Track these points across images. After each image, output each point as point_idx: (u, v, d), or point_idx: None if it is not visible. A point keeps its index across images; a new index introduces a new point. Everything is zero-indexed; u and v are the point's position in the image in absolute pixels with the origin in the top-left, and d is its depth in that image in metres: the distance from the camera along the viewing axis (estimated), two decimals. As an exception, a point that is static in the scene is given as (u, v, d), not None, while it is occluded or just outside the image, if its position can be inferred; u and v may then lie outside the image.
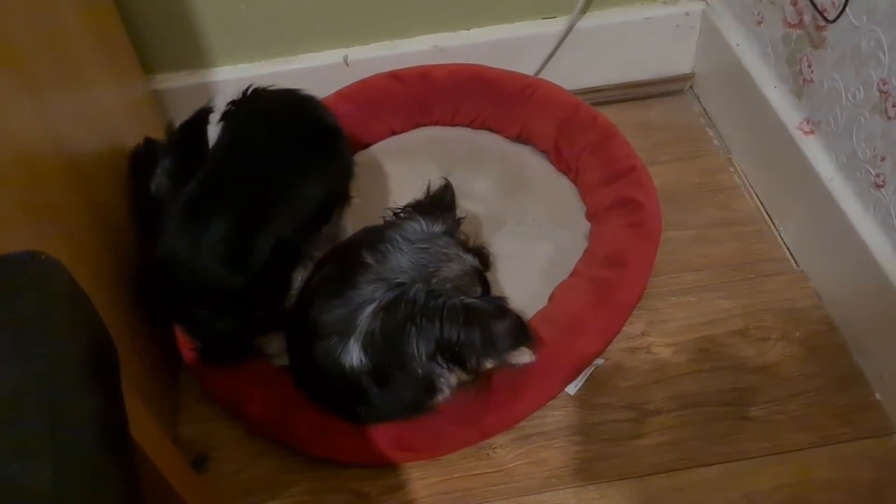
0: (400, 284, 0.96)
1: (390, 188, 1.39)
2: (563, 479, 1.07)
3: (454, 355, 0.93)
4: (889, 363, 1.09)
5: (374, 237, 1.04)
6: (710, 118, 1.54)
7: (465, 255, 1.02)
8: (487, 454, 1.10)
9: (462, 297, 0.95)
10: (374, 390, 0.99)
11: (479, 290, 1.00)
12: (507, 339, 0.93)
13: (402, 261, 0.99)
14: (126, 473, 0.48)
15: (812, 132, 1.22)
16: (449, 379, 1.00)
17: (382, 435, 1.04)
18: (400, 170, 1.43)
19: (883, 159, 1.06)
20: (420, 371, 0.96)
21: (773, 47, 1.30)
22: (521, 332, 0.96)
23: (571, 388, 1.15)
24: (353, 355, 0.97)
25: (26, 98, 0.87)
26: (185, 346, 1.13)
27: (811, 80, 1.20)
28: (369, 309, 0.96)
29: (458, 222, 1.09)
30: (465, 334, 0.91)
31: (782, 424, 1.10)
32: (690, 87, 1.61)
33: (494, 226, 1.33)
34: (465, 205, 1.33)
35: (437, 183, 1.12)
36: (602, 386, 1.15)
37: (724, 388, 1.14)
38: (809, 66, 1.20)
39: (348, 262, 1.02)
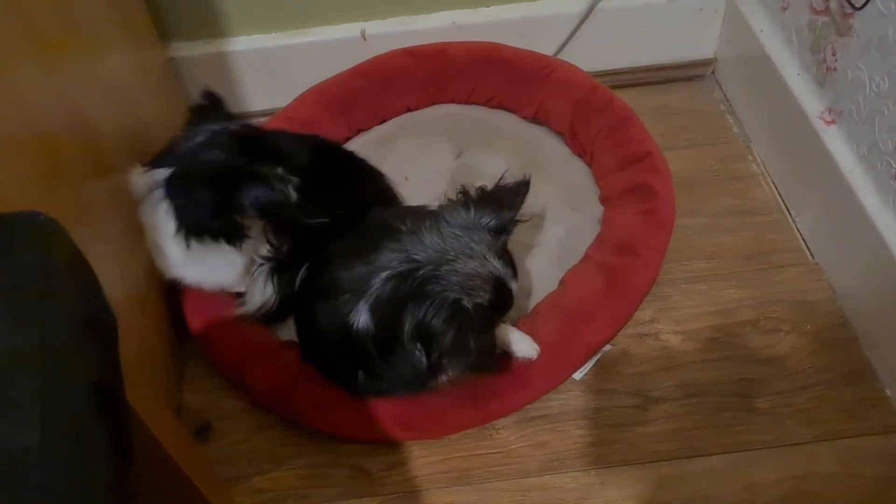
0: (415, 260, 0.96)
1: (403, 165, 1.37)
2: (565, 462, 1.06)
3: (426, 344, 0.93)
4: (901, 360, 1.07)
5: (418, 212, 1.04)
6: (730, 105, 1.52)
7: (491, 259, 0.98)
8: (490, 435, 1.09)
9: (459, 296, 0.93)
10: (378, 359, 0.98)
11: (486, 297, 0.96)
12: (473, 356, 0.93)
13: (430, 240, 0.98)
14: (118, 438, 0.48)
15: (833, 122, 1.19)
16: (419, 362, 0.98)
17: (384, 413, 1.04)
18: (413, 147, 1.42)
19: (905, 152, 1.03)
20: (409, 348, 0.95)
21: (797, 34, 1.28)
22: (488, 359, 0.96)
23: (577, 374, 1.14)
24: (362, 316, 0.96)
25: (38, 63, 0.86)
26: (192, 316, 1.13)
27: (835, 69, 1.18)
28: (384, 275, 0.96)
29: (515, 223, 1.04)
30: (442, 327, 0.91)
31: (788, 417, 1.09)
32: (712, 72, 1.58)
33: (507, 206, 1.31)
34: (478, 184, 1.33)
35: (514, 176, 1.07)
36: (608, 372, 1.15)
37: (731, 378, 1.13)
38: (834, 55, 1.17)
39: (383, 227, 1.02)
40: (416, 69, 1.44)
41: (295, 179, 1.04)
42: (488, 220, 0.99)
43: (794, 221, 1.31)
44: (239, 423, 1.13)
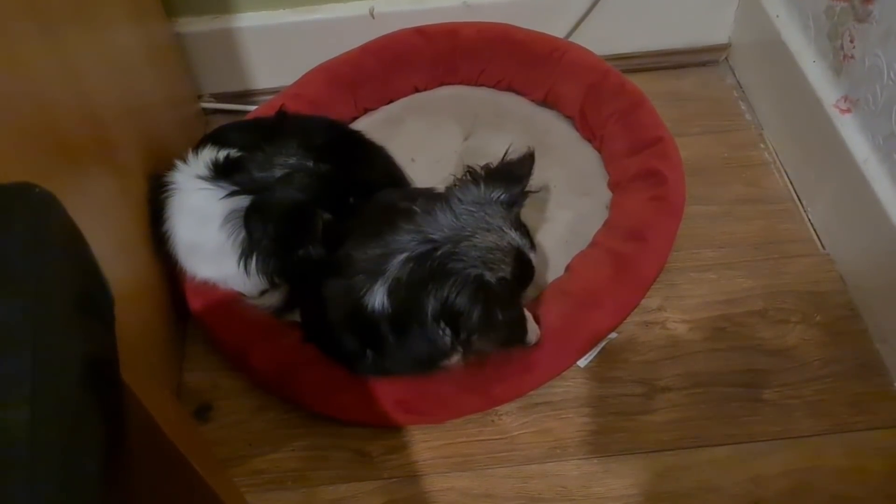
0: (433, 240, 0.94)
1: (411, 145, 1.36)
2: (568, 450, 1.05)
3: (454, 323, 0.91)
4: (912, 354, 1.06)
5: (430, 192, 1.04)
6: (743, 91, 1.50)
7: (508, 231, 0.97)
8: (492, 421, 1.08)
9: (481, 271, 0.92)
10: (390, 338, 0.97)
11: (507, 270, 0.95)
12: (503, 330, 0.92)
13: (444, 219, 0.96)
14: (111, 416, 0.46)
15: (849, 110, 1.17)
16: (455, 348, 0.98)
17: (386, 396, 1.03)
18: (421, 127, 1.40)
19: (922, 142, 1.01)
20: (430, 331, 0.94)
21: (814, 20, 1.25)
22: (519, 330, 0.94)
23: (582, 361, 1.12)
24: (378, 298, 0.95)
25: (40, 35, 0.84)
26: (193, 295, 1.11)
27: (852, 56, 1.15)
28: (401, 257, 0.95)
29: (525, 195, 1.04)
30: (468, 305, 0.89)
31: (796, 409, 1.07)
32: (726, 58, 1.56)
33: (514, 190, 1.29)
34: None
35: (518, 150, 1.07)
36: (614, 359, 1.13)
37: (738, 368, 1.12)
38: (851, 42, 1.15)
39: (396, 208, 1.01)
40: (426, 49, 1.42)
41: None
42: (499, 193, 0.98)
43: (805, 211, 1.29)
44: (239, 403, 1.12)
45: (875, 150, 1.11)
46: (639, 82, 1.42)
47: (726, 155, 1.39)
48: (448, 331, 0.92)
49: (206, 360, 1.16)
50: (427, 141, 1.38)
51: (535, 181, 1.28)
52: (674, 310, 1.18)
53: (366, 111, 1.44)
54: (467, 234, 0.94)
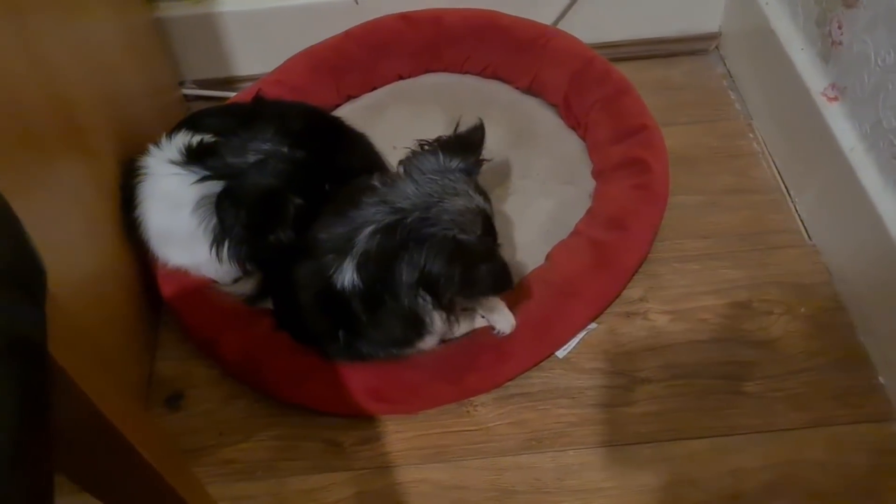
0: (400, 209, 0.93)
1: (394, 133, 1.33)
2: (543, 442, 1.03)
3: (434, 288, 0.89)
4: (896, 346, 1.03)
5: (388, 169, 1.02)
6: (733, 81, 1.47)
7: (474, 194, 0.97)
8: (467, 411, 1.06)
9: (455, 232, 0.91)
10: (363, 316, 0.95)
11: (478, 231, 0.94)
12: (487, 281, 0.90)
13: (408, 189, 0.95)
14: (29, 394, 0.44)
15: (836, 98, 1.15)
16: (433, 318, 0.96)
17: (357, 384, 1.01)
18: (405, 115, 1.39)
19: (908, 129, 0.99)
20: (407, 302, 0.92)
21: (803, 6, 1.23)
22: (503, 278, 0.92)
23: (561, 352, 1.10)
24: (347, 275, 0.93)
25: (7, 21, 0.83)
26: (164, 281, 1.10)
27: (840, 43, 1.13)
28: (368, 230, 0.93)
29: (479, 163, 1.03)
30: (447, 268, 0.88)
31: (778, 402, 1.05)
32: (716, 47, 1.53)
33: (497, 179, 1.28)
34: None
35: (468, 122, 1.07)
36: (593, 350, 1.11)
37: (720, 360, 1.09)
38: (839, 28, 1.12)
39: (358, 186, 0.99)
40: (410, 35, 1.40)
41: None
42: (457, 162, 0.97)
43: (793, 201, 1.26)
44: (210, 392, 1.10)
45: (862, 139, 1.09)
46: (628, 71, 1.40)
47: (715, 145, 1.37)
48: (428, 297, 0.90)
49: (179, 349, 1.14)
50: (410, 128, 1.34)
51: (519, 169, 1.28)
52: (656, 300, 1.16)
53: (349, 98, 1.42)
54: (436, 199, 0.93)
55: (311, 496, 1.00)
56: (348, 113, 1.38)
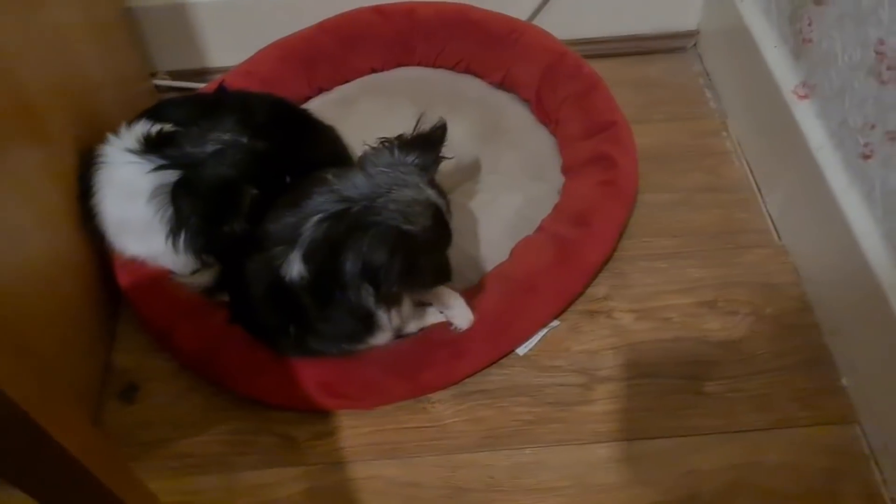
0: (348, 199, 0.92)
1: (364, 126, 1.31)
2: (500, 440, 1.02)
3: (375, 279, 0.88)
4: (860, 348, 1.02)
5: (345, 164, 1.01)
6: (710, 79, 1.46)
7: (425, 187, 0.95)
8: (424, 408, 1.05)
9: (399, 222, 0.90)
10: (313, 311, 0.94)
11: (427, 224, 0.92)
12: (426, 273, 0.90)
13: (359, 180, 0.94)
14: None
15: (806, 96, 1.13)
16: (380, 312, 0.94)
17: (310, 378, 1.00)
18: (376, 108, 1.37)
19: (873, 127, 0.97)
20: (352, 294, 0.91)
21: (776, 3, 1.21)
22: (442, 271, 0.91)
23: (521, 349, 1.09)
24: (295, 267, 0.92)
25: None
26: (121, 271, 1.08)
27: (810, 40, 1.11)
28: (315, 218, 0.92)
29: (438, 161, 1.02)
30: (387, 258, 0.86)
31: (739, 403, 1.04)
32: (694, 45, 1.51)
33: (465, 173, 1.26)
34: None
35: (430, 120, 1.04)
36: (554, 348, 1.10)
37: (682, 360, 1.08)
38: (810, 24, 1.11)
39: (311, 179, 0.98)
40: (384, 28, 1.39)
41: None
42: (413, 158, 0.96)
43: (763, 201, 1.25)
44: (166, 385, 1.09)
45: (830, 137, 1.07)
46: (605, 67, 1.39)
47: (688, 143, 1.36)
48: (371, 290, 0.89)
49: (137, 341, 1.13)
50: (380, 122, 1.31)
51: (487, 164, 1.26)
52: (620, 299, 1.14)
53: (321, 91, 1.41)
54: (384, 190, 0.91)
55: (263, 491, 0.99)
56: (319, 105, 1.37)
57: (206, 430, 1.04)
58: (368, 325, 0.94)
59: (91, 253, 1.09)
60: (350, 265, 0.88)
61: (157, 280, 1.07)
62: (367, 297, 0.90)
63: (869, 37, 0.96)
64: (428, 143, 1.00)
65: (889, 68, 0.93)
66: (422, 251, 0.88)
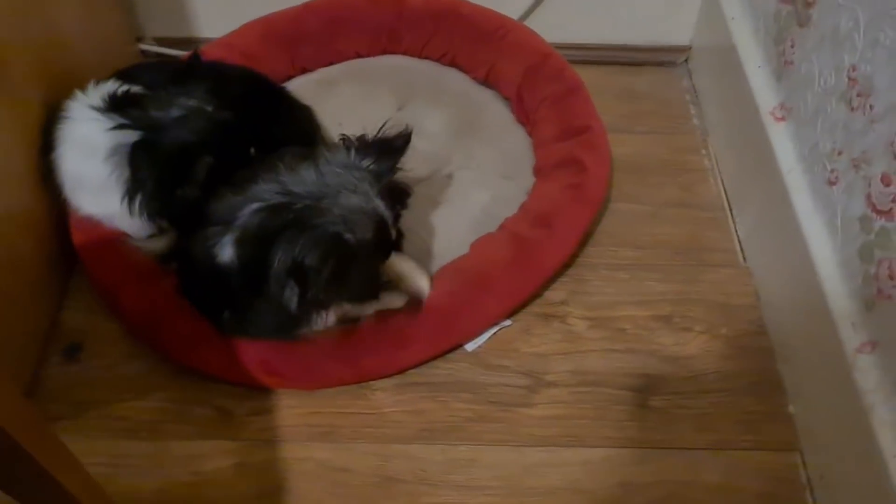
0: (292, 193, 0.90)
1: (342, 110, 1.31)
2: (436, 433, 1.01)
3: (302, 280, 0.87)
4: (809, 376, 1.00)
5: (301, 151, 0.98)
6: (696, 95, 1.44)
7: (374, 198, 0.94)
8: (365, 394, 1.04)
9: (340, 229, 0.88)
10: (243, 297, 0.93)
11: (367, 235, 0.91)
12: (355, 286, 0.89)
13: (308, 175, 0.93)
14: None
15: (783, 118, 1.12)
16: (300, 310, 0.92)
17: (250, 355, 0.99)
18: (355, 94, 1.36)
19: (840, 153, 0.96)
20: (274, 287, 0.89)
21: (764, 23, 1.20)
22: (370, 288, 0.91)
23: (470, 345, 1.08)
24: (227, 249, 0.91)
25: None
26: (76, 229, 1.07)
27: (791, 62, 1.10)
28: (253, 206, 0.91)
29: (394, 170, 1.00)
30: (319, 262, 0.85)
31: (682, 420, 1.03)
32: (685, 61, 1.50)
33: (436, 165, 1.25)
34: (413, 140, 1.26)
35: (396, 126, 1.03)
36: (503, 348, 1.08)
37: (631, 372, 1.07)
38: (792, 46, 1.10)
39: (264, 164, 0.97)
40: (372, 14, 1.38)
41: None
42: (369, 163, 0.94)
43: (734, 221, 1.24)
44: (110, 347, 1.08)
45: (800, 161, 1.06)
46: (592, 74, 1.39)
47: (666, 157, 1.34)
48: (295, 289, 0.87)
49: (87, 301, 1.12)
50: (358, 107, 1.33)
51: (460, 159, 1.25)
52: (577, 305, 1.13)
53: (304, 71, 1.40)
54: (331, 192, 0.90)
55: (192, 462, 0.98)
56: (300, 86, 1.36)
57: (144, 396, 1.04)
58: (293, 319, 0.93)
59: (49, 208, 1.08)
60: (279, 261, 0.86)
61: (111, 241, 1.06)
62: (291, 295, 0.88)
63: (843, 62, 0.95)
64: (388, 149, 0.98)
65: (859, 95, 0.92)
66: (356, 262, 0.87)
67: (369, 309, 1.02)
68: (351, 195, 0.91)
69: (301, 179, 0.91)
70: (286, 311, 0.91)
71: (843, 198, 0.95)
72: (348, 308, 0.95)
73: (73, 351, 1.07)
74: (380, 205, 0.92)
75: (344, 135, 0.99)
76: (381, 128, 0.99)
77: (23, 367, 1.03)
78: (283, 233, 0.86)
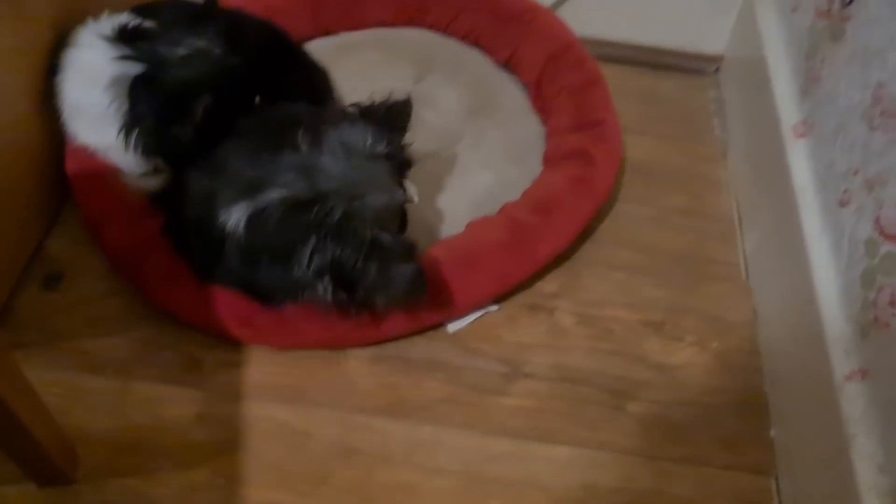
0: (320, 191, 0.89)
1: (357, 75, 1.29)
2: (404, 410, 0.98)
3: (344, 281, 0.87)
4: (793, 401, 0.97)
5: (317, 124, 0.96)
6: (721, 107, 1.40)
7: (397, 190, 0.96)
8: (339, 361, 1.02)
9: (376, 230, 0.88)
10: (235, 261, 0.92)
11: (395, 229, 0.94)
12: (402, 285, 0.89)
13: (334, 167, 0.92)
14: None
15: (804, 135, 1.08)
16: (324, 295, 0.92)
17: (225, 305, 0.97)
18: (374, 61, 1.34)
19: (855, 173, 0.92)
20: (296, 276, 0.89)
21: (798, 38, 1.16)
22: (419, 284, 0.90)
23: (452, 326, 1.05)
24: (235, 219, 0.90)
25: None
26: (71, 157, 1.06)
27: (819, 78, 1.06)
28: (277, 193, 0.90)
29: (403, 147, 1.01)
30: (363, 266, 0.86)
31: (658, 429, 0.99)
32: (716, 70, 1.46)
33: (445, 142, 1.23)
34: (425, 114, 1.25)
35: (397, 95, 1.04)
36: (485, 333, 1.06)
37: (612, 373, 1.04)
38: (822, 62, 1.06)
39: (283, 131, 0.96)
40: (401, -18, 1.35)
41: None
42: (383, 146, 0.94)
43: (742, 236, 1.20)
44: (91, 281, 1.06)
45: (815, 179, 1.02)
46: (617, 72, 1.36)
47: (681, 164, 1.31)
48: (330, 286, 0.88)
49: (75, 232, 1.10)
50: (375, 75, 1.31)
51: (470, 138, 1.23)
52: (568, 300, 1.10)
53: (327, 33, 1.38)
54: (360, 192, 0.90)
55: (152, 405, 0.96)
56: (320, 47, 1.34)
57: (115, 333, 1.02)
58: (286, 296, 0.94)
59: (48, 133, 1.06)
60: (310, 259, 0.87)
61: (103, 173, 1.05)
62: (325, 291, 0.89)
63: (870, 79, 0.91)
64: (394, 121, 0.99)
65: (882, 113, 0.88)
66: (396, 260, 0.88)
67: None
68: (379, 193, 0.92)
69: (328, 174, 0.90)
70: (284, 288, 0.92)
71: (852, 219, 0.91)
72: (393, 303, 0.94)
73: (52, 280, 1.06)
74: (401, 196, 0.95)
75: (353, 104, 1.00)
76: (387, 97, 1.00)
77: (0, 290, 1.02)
78: (313, 232, 0.87)
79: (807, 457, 0.92)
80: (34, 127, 1.05)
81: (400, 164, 1.02)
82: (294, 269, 0.89)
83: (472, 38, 1.36)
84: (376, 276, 0.87)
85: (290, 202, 0.89)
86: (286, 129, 0.96)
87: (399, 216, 1.00)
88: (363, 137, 0.95)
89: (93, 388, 0.97)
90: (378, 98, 1.03)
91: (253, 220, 0.89)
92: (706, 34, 1.43)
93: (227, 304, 0.97)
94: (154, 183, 1.07)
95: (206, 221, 0.92)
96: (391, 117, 0.98)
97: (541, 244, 1.05)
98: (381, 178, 0.94)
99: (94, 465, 0.90)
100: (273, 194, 0.89)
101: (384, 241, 0.88)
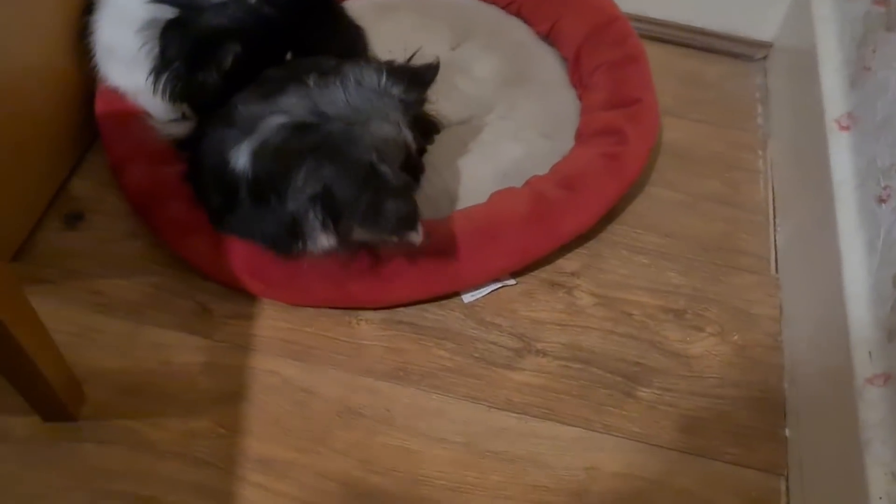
0: (321, 114, 0.87)
1: (393, 37, 1.26)
2: (411, 376, 0.97)
3: (333, 210, 0.84)
4: (810, 401, 0.94)
5: (331, 67, 0.95)
6: (767, 95, 1.36)
7: (403, 128, 0.92)
8: (350, 322, 1.01)
9: (373, 158, 0.85)
10: (247, 205, 0.91)
11: (398, 168, 0.89)
12: (391, 218, 0.83)
13: (339, 96, 0.90)
14: None
15: (848, 128, 1.04)
16: (315, 235, 0.90)
17: (239, 255, 0.96)
18: (413, 24, 1.32)
19: (897, 170, 0.88)
20: (293, 207, 0.87)
21: (851, 26, 1.11)
22: (409, 220, 0.84)
23: (468, 296, 1.04)
24: (242, 158, 0.89)
25: None
26: (101, 98, 1.06)
27: (869, 68, 1.02)
28: (277, 120, 0.88)
29: (420, 102, 0.98)
30: (355, 193, 0.82)
31: (668, 417, 0.97)
32: (764, 57, 1.41)
33: (476, 110, 1.20)
34: (459, 81, 1.23)
35: (426, 58, 1.01)
36: (501, 306, 1.04)
37: (627, 358, 1.01)
38: (874, 51, 1.01)
39: (296, 72, 0.94)
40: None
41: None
42: (399, 90, 0.91)
43: (775, 229, 1.16)
44: (111, 222, 1.07)
45: (855, 175, 0.98)
46: (663, 53, 1.34)
47: (719, 150, 1.27)
48: (321, 215, 0.85)
49: (101, 174, 1.11)
50: (412, 38, 1.27)
51: (503, 108, 1.20)
52: (588, 280, 1.08)
53: (368, -8, 1.36)
54: (363, 118, 0.86)
55: (161, 351, 0.96)
56: (358, 6, 1.32)
57: (131, 276, 1.02)
58: (295, 239, 0.90)
59: (79, 72, 1.06)
60: (306, 185, 0.84)
61: (131, 116, 1.05)
62: (314, 220, 0.86)
63: (924, 71, 0.87)
64: (416, 79, 0.95)
65: (931, 109, 0.83)
66: (390, 193, 0.83)
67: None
68: (382, 123, 0.87)
69: (331, 100, 0.87)
70: (289, 228, 0.89)
71: (890, 217, 0.87)
72: (378, 238, 0.90)
73: (74, 219, 1.06)
74: (409, 135, 0.90)
75: (375, 58, 0.97)
76: (411, 57, 0.98)
77: (22, 225, 1.02)
78: (311, 155, 0.84)
79: (819, 459, 0.89)
80: (67, 65, 1.05)
81: (426, 126, 1.00)
82: (292, 201, 0.87)
83: (515, 7, 1.33)
84: (366, 208, 0.83)
85: (289, 126, 0.87)
86: (303, 73, 0.94)
87: (406, 156, 0.94)
88: (378, 76, 0.92)
89: (104, 329, 0.97)
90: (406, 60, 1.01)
91: (257, 154, 0.88)
92: (758, 20, 1.38)
93: (241, 255, 0.96)
94: (181, 129, 1.07)
95: (219, 167, 0.92)
96: (415, 75, 0.95)
97: (564, 220, 1.02)
98: (388, 112, 0.90)
99: (99, 404, 0.91)
100: (274, 121, 0.88)
101: (381, 171, 0.84)
